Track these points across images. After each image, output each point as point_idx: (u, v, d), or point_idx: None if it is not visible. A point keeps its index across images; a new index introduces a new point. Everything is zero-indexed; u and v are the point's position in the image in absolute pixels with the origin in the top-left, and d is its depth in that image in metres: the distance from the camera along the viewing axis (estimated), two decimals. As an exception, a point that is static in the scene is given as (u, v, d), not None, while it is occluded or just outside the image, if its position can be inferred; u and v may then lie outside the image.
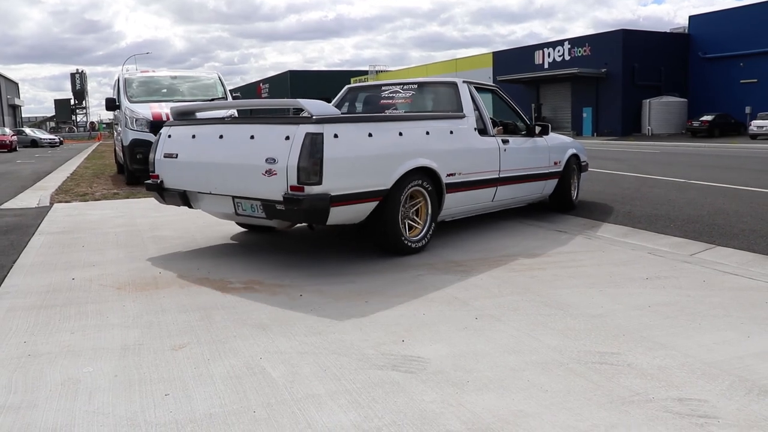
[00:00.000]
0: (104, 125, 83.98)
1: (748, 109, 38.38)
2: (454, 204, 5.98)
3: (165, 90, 13.37)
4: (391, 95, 7.31)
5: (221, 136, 5.22)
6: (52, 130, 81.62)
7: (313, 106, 4.83)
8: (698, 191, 9.65)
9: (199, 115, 6.35)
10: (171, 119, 6.09)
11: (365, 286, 4.47)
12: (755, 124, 34.41)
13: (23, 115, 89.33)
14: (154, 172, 5.78)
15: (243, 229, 6.82)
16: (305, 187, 4.54)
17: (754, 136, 34.03)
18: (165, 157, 5.67)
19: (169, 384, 2.83)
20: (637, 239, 6.17)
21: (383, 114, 6.43)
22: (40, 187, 12.19)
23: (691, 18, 44.46)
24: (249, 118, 5.47)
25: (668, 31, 46.66)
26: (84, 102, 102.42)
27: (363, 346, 3.26)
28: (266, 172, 4.70)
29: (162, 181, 5.72)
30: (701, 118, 38.11)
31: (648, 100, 41.41)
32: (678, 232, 6.37)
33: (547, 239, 6.15)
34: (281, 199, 4.60)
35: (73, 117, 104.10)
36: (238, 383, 2.83)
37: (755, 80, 39.59)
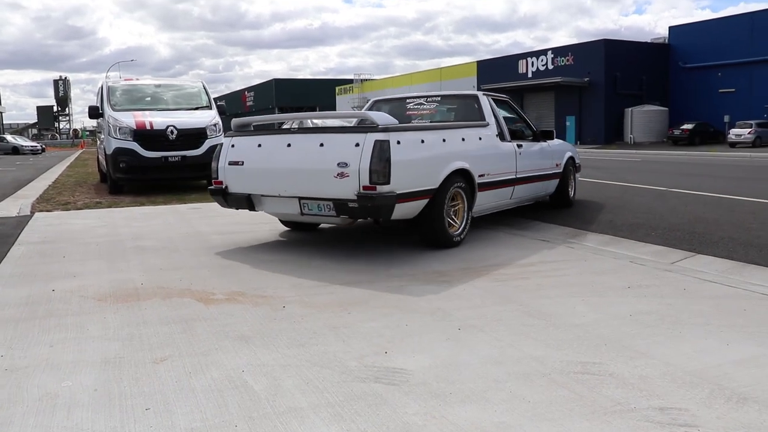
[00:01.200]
0: (87, 133, 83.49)
1: (726, 118, 38.86)
2: (483, 201, 6.70)
3: (149, 98, 13.32)
4: (416, 107, 8.14)
5: (289, 145, 5.85)
6: (35, 137, 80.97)
7: (379, 117, 5.63)
8: (679, 199, 9.74)
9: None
10: (232, 130, 6.65)
11: (348, 296, 4.46)
12: (734, 133, 34.89)
13: (4, 122, 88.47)
14: (217, 178, 6.35)
15: (226, 239, 6.79)
16: (377, 186, 5.22)
17: (733, 144, 34.46)
18: (230, 164, 6.24)
19: (149, 398, 2.81)
20: (619, 248, 6.21)
21: (435, 123, 6.98)
22: (20, 196, 12.07)
23: (671, 29, 45.04)
24: (316, 128, 6.07)
25: (649, 41, 47.19)
26: (67, 109, 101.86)
27: (346, 358, 3.25)
28: (338, 174, 5.36)
29: (226, 187, 6.29)
30: (682, 127, 38.57)
31: (630, 109, 41.81)
32: (659, 241, 6.41)
33: (530, 248, 6.17)
34: (354, 197, 5.27)
35: (56, 124, 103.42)
36: (219, 397, 2.81)
37: (733, 90, 40.16)
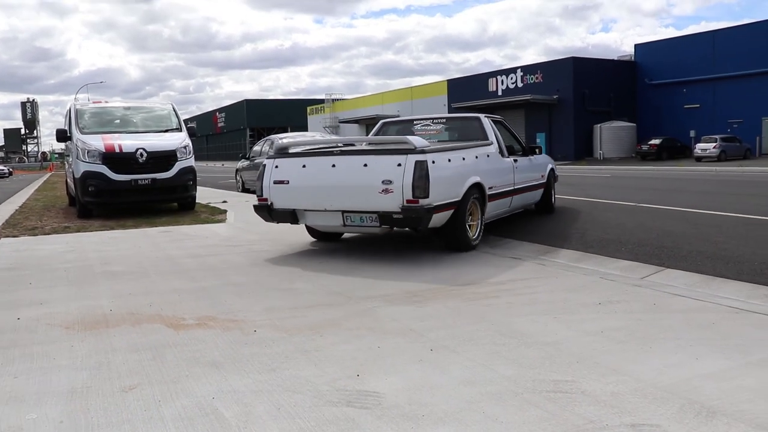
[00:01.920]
0: (56, 155, 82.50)
1: (692, 133, 39.71)
2: (491, 210, 7.60)
3: (118, 121, 13.19)
4: (423, 128, 9.14)
5: (334, 165, 6.61)
6: (1, 161, 79.78)
7: (416, 140, 6.44)
8: (647, 214, 9.87)
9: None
10: (274, 153, 7.41)
11: (320, 319, 4.43)
12: (699, 147, 35.60)
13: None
14: (262, 196, 7.08)
15: (198, 263, 6.73)
16: (419, 200, 6.09)
17: (699, 159, 35.13)
18: (275, 183, 6.97)
19: (117, 428, 2.75)
20: (590, 264, 6.27)
21: (455, 144, 7.63)
22: (-14, 222, 11.84)
23: (637, 46, 45.96)
24: (359, 150, 6.96)
25: (616, 58, 48.02)
26: (35, 131, 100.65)
27: (318, 382, 3.22)
28: (383, 191, 6.21)
29: (271, 203, 7.02)
30: (650, 142, 39.26)
31: (599, 125, 42.45)
32: (629, 256, 6.49)
33: (501, 266, 6.20)
34: (399, 210, 6.15)
35: (24, 147, 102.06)
36: (190, 425, 2.77)
37: (698, 105, 41.05)
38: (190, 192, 12.49)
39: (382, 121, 9.59)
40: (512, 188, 8.31)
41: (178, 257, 7.17)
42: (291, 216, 6.93)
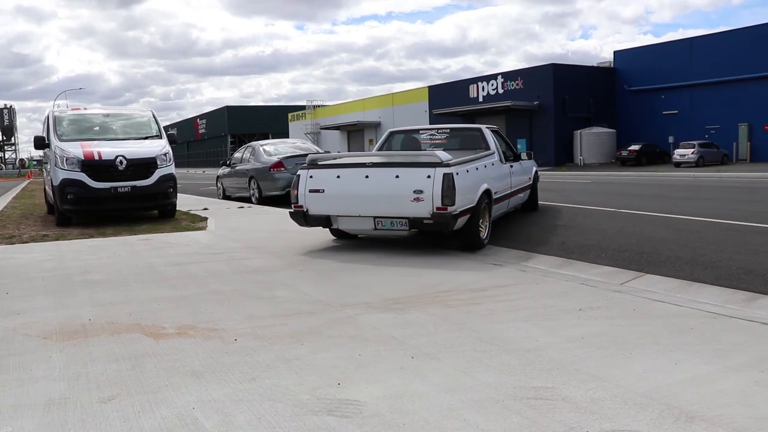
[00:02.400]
0: (35, 162, 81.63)
1: (671, 139, 40.13)
2: (495, 212, 8.44)
3: (97, 128, 13.06)
4: (428, 137, 10.10)
5: (367, 176, 7.39)
6: (-22, 169, 78.77)
7: (442, 155, 7.17)
8: (628, 220, 9.96)
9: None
10: (306, 165, 8.00)
11: (301, 327, 4.41)
12: (678, 153, 35.98)
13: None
14: (298, 203, 7.76)
15: (178, 271, 6.68)
16: (447, 207, 6.87)
17: (678, 164, 35.49)
18: (310, 192, 7.67)
19: (95, 440, 2.72)
20: (571, 270, 6.31)
21: (473, 156, 8.22)
22: (-37, 231, 11.68)
23: (616, 53, 46.35)
24: (390, 162, 7.60)
25: (595, 65, 48.41)
26: (13, 138, 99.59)
27: (298, 391, 3.21)
28: (414, 199, 7.00)
29: (307, 210, 7.72)
30: (629, 148, 39.58)
31: (579, 131, 42.74)
32: (609, 262, 6.54)
33: (483, 272, 6.22)
34: (429, 216, 6.95)
35: (1, 154, 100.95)
36: (169, 436, 2.74)
37: (676, 111, 41.50)
38: (171, 199, 12.40)
39: (389, 131, 10.53)
40: (510, 191, 9.33)
41: (158, 265, 7.12)
42: (326, 221, 7.73)
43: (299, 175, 7.87)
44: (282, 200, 16.47)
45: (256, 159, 17.51)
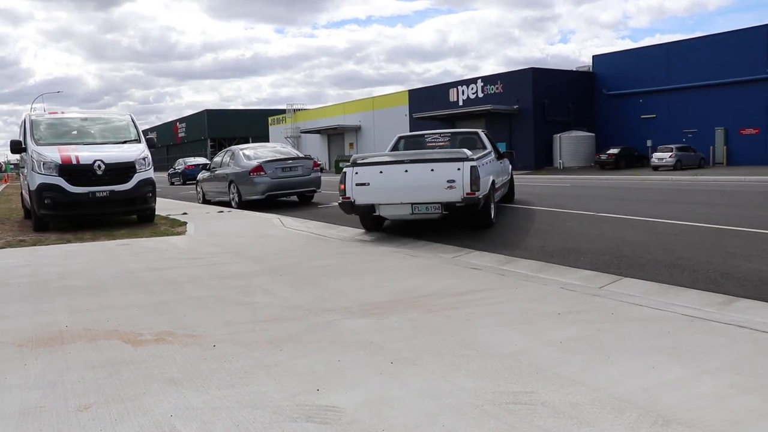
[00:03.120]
0: (12, 166, 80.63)
1: (649, 143, 40.59)
2: (495, 199, 10.49)
3: (75, 132, 12.94)
4: (433, 140, 12.62)
5: (406, 171, 9.10)
6: (-46, 173, 77.62)
7: (468, 152, 9.18)
8: (607, 223, 10.03)
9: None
10: (351, 164, 9.58)
11: (281, 332, 4.39)
12: (656, 156, 36.39)
13: None
14: (346, 195, 9.35)
15: (157, 276, 6.63)
16: (475, 193, 8.75)
17: (656, 168, 35.88)
18: (357, 185, 9.28)
19: (71, 449, 2.69)
20: (550, 273, 6.34)
21: (482, 153, 10.55)
22: (-63, 237, 11.50)
23: (595, 57, 46.76)
24: (425, 159, 9.31)
25: (575, 69, 48.78)
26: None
27: (277, 398, 3.19)
28: (448, 187, 8.80)
29: (354, 201, 9.33)
30: (608, 152, 39.95)
31: (558, 135, 43.06)
32: (589, 265, 6.58)
33: (462, 277, 6.22)
34: (460, 200, 8.77)
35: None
36: (146, 444, 2.71)
37: (654, 116, 41.97)
38: (150, 204, 12.31)
39: (398, 136, 13.16)
40: (502, 183, 11.77)
41: (137, 271, 7.06)
42: (370, 209, 9.34)
43: (345, 172, 9.44)
44: (262, 204, 16.42)
45: (236, 163, 17.43)
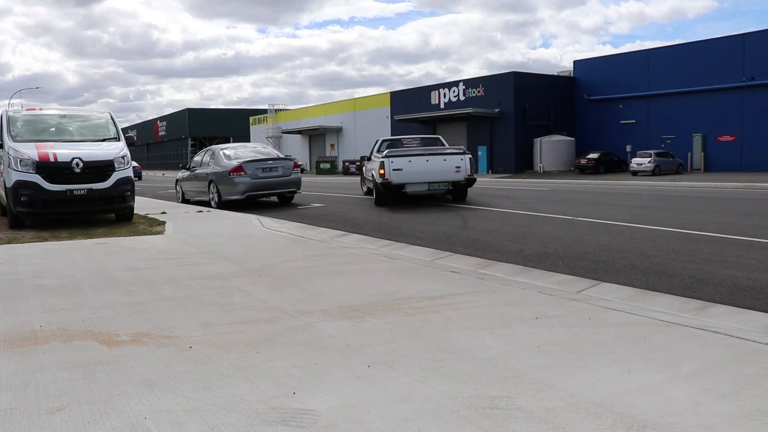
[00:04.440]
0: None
1: (628, 148, 40.99)
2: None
3: (53, 129, 12.79)
4: (407, 142, 18.38)
5: (427, 160, 15.19)
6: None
7: (463, 148, 16.51)
8: (585, 228, 10.10)
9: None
10: (387, 155, 15.33)
11: (258, 334, 4.37)
12: (635, 162, 36.69)
13: None
14: (386, 176, 15.02)
15: (134, 276, 6.57)
16: (473, 174, 15.70)
17: (635, 173, 36.19)
18: (394, 170, 14.91)
19: (42, 452, 2.65)
20: (528, 278, 6.37)
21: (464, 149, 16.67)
22: None
23: (576, 62, 47.10)
24: (440, 153, 15.62)
25: (556, 73, 49.12)
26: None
27: (253, 401, 3.17)
28: (456, 171, 15.30)
29: (391, 181, 14.97)
30: (588, 156, 40.22)
31: (539, 139, 43.30)
32: (566, 270, 6.62)
33: (441, 280, 6.23)
34: (464, 180, 15.56)
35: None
36: (119, 447, 2.68)
37: (633, 121, 42.38)
38: (128, 203, 12.20)
39: (381, 139, 19.40)
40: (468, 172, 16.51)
41: (113, 270, 6.99)
42: (402, 186, 15.16)
43: (383, 162, 15.10)
44: (241, 205, 16.34)
45: (216, 163, 17.35)
